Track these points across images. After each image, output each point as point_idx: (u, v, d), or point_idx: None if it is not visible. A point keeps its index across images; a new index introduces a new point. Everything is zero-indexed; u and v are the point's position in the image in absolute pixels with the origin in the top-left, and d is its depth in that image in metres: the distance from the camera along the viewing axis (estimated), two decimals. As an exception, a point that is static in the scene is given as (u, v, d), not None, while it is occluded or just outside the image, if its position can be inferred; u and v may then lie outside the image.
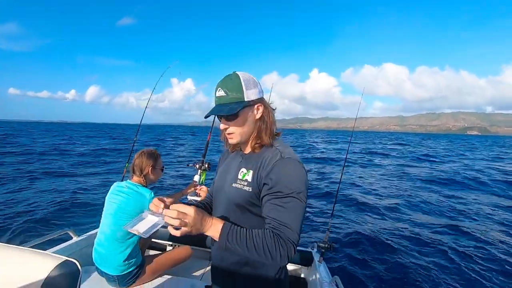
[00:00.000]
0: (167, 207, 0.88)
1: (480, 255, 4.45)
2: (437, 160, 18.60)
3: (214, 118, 3.28)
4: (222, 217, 0.94)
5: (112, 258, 1.76)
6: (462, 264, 4.18)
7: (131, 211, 1.78)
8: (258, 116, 0.98)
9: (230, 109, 0.92)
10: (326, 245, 2.20)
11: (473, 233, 5.29)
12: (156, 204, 0.89)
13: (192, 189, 2.26)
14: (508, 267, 4.00)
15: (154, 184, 2.02)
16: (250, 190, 0.94)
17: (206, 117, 1.00)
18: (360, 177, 11.10)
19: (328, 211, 5.77)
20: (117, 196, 1.84)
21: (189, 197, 2.30)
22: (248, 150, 1.04)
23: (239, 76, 0.94)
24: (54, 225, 4.61)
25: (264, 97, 1.03)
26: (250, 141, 1.02)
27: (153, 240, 2.24)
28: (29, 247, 0.97)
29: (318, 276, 2.02)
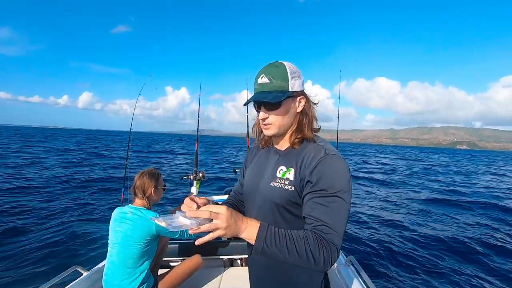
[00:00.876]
0: (199, 206, 0.84)
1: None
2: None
3: (198, 126, 3.32)
4: (259, 218, 0.87)
5: (124, 287, 1.71)
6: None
7: (138, 238, 1.72)
8: (299, 108, 0.94)
9: (275, 97, 0.86)
10: None
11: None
12: (188, 204, 0.83)
13: None
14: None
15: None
16: (292, 189, 0.88)
17: (245, 104, 0.95)
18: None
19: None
20: (122, 223, 1.76)
21: None
22: (285, 145, 0.98)
23: (284, 65, 0.90)
24: (57, 262, 4.12)
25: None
26: (290, 135, 0.96)
27: (163, 259, 2.21)
28: None
29: None
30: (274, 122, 0.92)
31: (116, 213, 1.84)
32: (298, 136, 0.94)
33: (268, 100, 0.86)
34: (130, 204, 1.86)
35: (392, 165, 24.31)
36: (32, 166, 12.86)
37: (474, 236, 5.47)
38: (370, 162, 26.72)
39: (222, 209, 0.73)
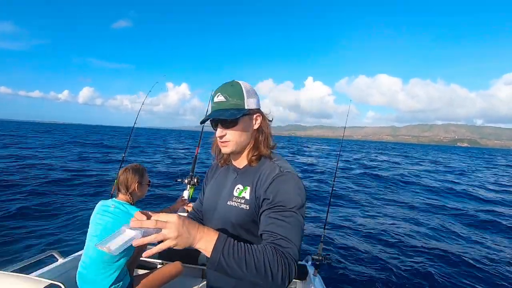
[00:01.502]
0: (150, 220, 0.78)
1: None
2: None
3: (202, 131, 3.27)
4: None
5: (98, 283, 1.67)
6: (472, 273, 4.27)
7: None
8: (256, 126, 0.96)
9: (231, 114, 0.88)
10: (320, 258, 2.15)
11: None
12: (138, 218, 0.76)
13: (181, 205, 2.19)
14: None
15: (141, 199, 1.98)
16: (248, 208, 0.90)
17: (202, 122, 0.95)
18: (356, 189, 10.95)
19: (321, 222, 5.60)
20: (103, 216, 1.74)
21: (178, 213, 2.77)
22: (242, 163, 1.00)
23: (240, 84, 0.93)
24: (36, 246, 4.10)
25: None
26: (247, 153, 0.97)
27: (141, 258, 2.17)
28: (11, 272, 0.95)
29: None
30: (231, 139, 0.93)
31: (99, 206, 1.82)
32: (255, 154, 0.96)
33: (224, 117, 0.88)
34: (114, 198, 1.84)
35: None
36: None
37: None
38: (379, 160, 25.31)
39: (172, 218, 0.69)
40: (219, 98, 0.91)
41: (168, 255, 2.23)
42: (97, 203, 1.86)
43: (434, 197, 10.08)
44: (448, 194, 10.57)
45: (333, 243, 5.12)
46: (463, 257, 4.76)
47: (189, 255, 2.24)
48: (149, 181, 1.96)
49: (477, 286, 3.91)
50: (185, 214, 1.10)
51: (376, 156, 31.45)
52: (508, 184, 14.60)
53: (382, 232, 5.95)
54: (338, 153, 3.63)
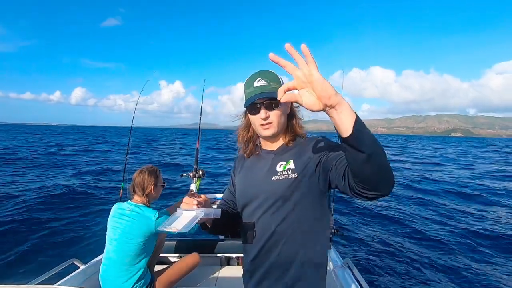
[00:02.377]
0: (200, 203, 0.86)
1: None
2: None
3: (200, 127, 3.26)
4: (268, 217, 0.94)
5: (121, 284, 1.69)
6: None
7: (136, 235, 1.71)
8: (289, 110, 1.03)
9: (276, 95, 0.84)
10: (333, 230, 2.20)
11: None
12: (187, 202, 0.86)
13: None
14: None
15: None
16: (296, 175, 0.92)
17: (248, 104, 0.96)
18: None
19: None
20: (120, 220, 1.75)
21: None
22: (276, 145, 1.04)
23: (274, 72, 0.99)
24: (54, 256, 4.12)
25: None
26: (283, 135, 1.03)
27: (160, 255, 2.20)
28: (37, 284, 0.96)
29: (330, 261, 2.02)
30: (275, 120, 0.96)
31: (114, 209, 1.83)
32: (292, 134, 1.02)
33: (272, 96, 0.91)
34: (129, 201, 1.85)
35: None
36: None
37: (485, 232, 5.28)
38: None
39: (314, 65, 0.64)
40: (261, 82, 0.95)
41: (183, 247, 2.28)
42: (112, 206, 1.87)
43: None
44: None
45: (343, 215, 5.45)
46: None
47: (205, 245, 2.29)
48: (164, 182, 1.98)
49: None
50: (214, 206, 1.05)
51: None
52: None
53: (389, 210, 6.27)
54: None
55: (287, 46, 0.62)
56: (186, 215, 0.79)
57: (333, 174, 0.85)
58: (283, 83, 0.95)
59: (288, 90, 0.67)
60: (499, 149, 39.65)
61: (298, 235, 0.93)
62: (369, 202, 6.36)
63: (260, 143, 1.09)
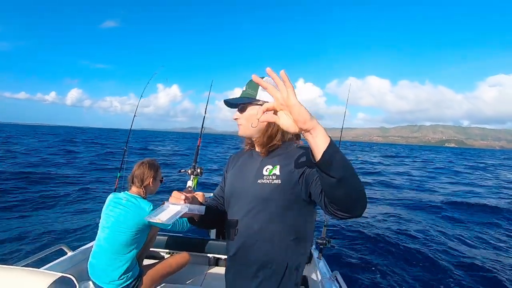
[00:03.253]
0: (187, 198, 0.90)
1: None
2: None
3: (203, 121, 3.50)
4: (249, 217, 0.99)
5: (109, 273, 1.71)
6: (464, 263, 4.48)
7: (130, 225, 1.74)
8: None
9: (239, 100, 1.04)
10: (324, 241, 2.20)
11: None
12: (176, 196, 0.89)
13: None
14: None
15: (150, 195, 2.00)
16: (279, 182, 0.95)
17: (226, 104, 1.09)
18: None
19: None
20: (115, 208, 1.78)
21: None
22: (263, 151, 1.05)
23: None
24: (46, 241, 4.28)
25: None
26: (263, 142, 1.04)
27: (150, 249, 2.20)
28: (22, 266, 1.02)
29: (318, 272, 2.06)
30: (241, 123, 1.06)
31: (110, 198, 1.86)
32: (271, 144, 1.03)
33: (230, 101, 1.06)
34: (126, 191, 1.89)
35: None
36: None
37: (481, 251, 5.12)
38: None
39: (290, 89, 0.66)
40: (243, 88, 1.06)
41: (174, 244, 2.36)
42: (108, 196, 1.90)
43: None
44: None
45: (335, 227, 5.47)
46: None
47: (195, 244, 2.36)
48: (162, 178, 2.02)
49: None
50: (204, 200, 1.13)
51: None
52: None
53: (384, 218, 6.46)
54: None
55: (268, 70, 0.67)
56: (172, 209, 0.85)
57: (312, 188, 0.88)
58: (263, 90, 0.97)
59: (268, 110, 0.71)
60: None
61: (276, 238, 0.97)
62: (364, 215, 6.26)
63: (254, 142, 1.11)
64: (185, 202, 0.88)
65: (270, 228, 0.97)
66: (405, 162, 28.70)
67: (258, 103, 1.03)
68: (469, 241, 5.64)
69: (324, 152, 0.67)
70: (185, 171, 2.85)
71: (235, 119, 1.07)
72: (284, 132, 1.04)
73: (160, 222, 0.79)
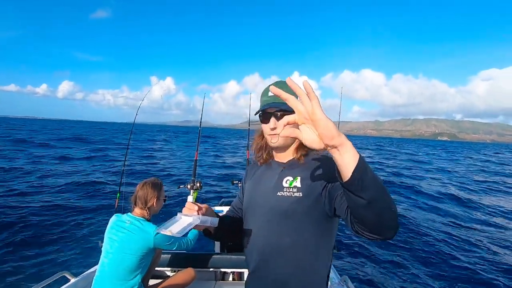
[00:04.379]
0: (200, 209, 0.89)
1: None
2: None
3: (199, 135, 3.30)
4: (266, 229, 0.96)
5: None
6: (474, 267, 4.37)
7: (134, 249, 1.70)
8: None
9: (288, 108, 0.90)
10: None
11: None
12: (189, 208, 0.88)
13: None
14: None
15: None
16: (301, 195, 0.92)
17: (257, 113, 1.01)
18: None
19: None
20: (118, 232, 1.74)
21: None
22: (288, 158, 1.03)
23: None
24: (46, 267, 4.08)
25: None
26: (294, 149, 1.02)
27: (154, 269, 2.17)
28: None
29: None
30: (279, 132, 0.95)
31: (113, 220, 1.81)
32: (305, 149, 0.99)
33: (284, 107, 0.94)
34: (129, 213, 1.84)
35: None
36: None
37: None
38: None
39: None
40: (271, 93, 0.95)
41: (178, 261, 2.28)
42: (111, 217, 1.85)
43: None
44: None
45: (341, 232, 5.31)
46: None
47: (199, 259, 2.29)
48: (166, 197, 1.99)
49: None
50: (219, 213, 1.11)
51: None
52: None
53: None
54: None
55: (288, 80, 0.61)
56: (183, 220, 0.83)
57: (337, 203, 0.84)
58: (297, 96, 0.96)
59: (288, 124, 0.65)
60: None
61: (298, 252, 0.93)
62: None
63: (272, 152, 1.09)
64: (198, 214, 0.86)
65: (289, 245, 0.93)
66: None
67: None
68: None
69: (354, 171, 0.60)
70: (185, 186, 2.83)
71: (273, 128, 0.97)
72: None
73: (171, 234, 0.77)
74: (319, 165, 0.95)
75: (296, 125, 0.67)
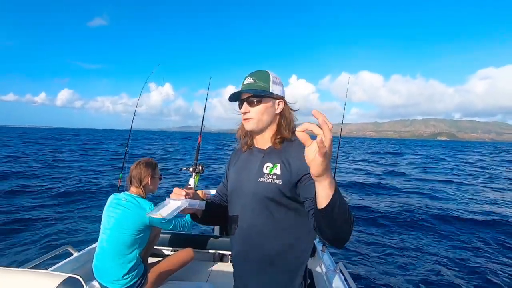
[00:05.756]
0: (188, 194, 0.92)
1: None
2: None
3: (203, 119, 3.34)
4: (248, 214, 1.02)
5: (113, 273, 1.74)
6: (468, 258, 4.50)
7: (131, 225, 1.76)
8: (278, 110, 1.06)
9: (256, 92, 1.01)
10: None
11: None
12: (177, 193, 0.91)
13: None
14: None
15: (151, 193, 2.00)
16: (280, 182, 0.97)
17: (231, 98, 1.07)
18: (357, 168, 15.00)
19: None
20: (115, 209, 1.80)
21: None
22: (267, 145, 1.08)
23: (268, 72, 1.06)
24: (51, 242, 4.38)
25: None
26: (271, 136, 1.07)
27: (154, 247, 2.22)
28: (29, 268, 1.04)
29: (322, 264, 2.10)
30: (253, 116, 1.03)
31: (111, 198, 1.88)
32: (278, 137, 1.05)
33: (250, 92, 1.01)
34: (126, 192, 1.90)
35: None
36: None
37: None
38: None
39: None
40: (248, 80, 1.04)
41: (178, 241, 2.36)
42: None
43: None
44: None
45: None
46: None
47: (199, 240, 2.38)
48: (161, 175, 2.03)
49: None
50: (210, 194, 1.24)
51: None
52: None
53: (385, 213, 6.66)
54: (338, 143, 3.51)
55: (314, 112, 0.62)
56: (172, 204, 0.86)
57: (306, 204, 0.91)
58: (274, 83, 1.03)
59: (304, 130, 0.65)
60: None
61: (281, 234, 1.00)
62: (367, 204, 7.21)
63: (254, 139, 1.13)
64: (185, 198, 0.90)
65: (272, 227, 0.99)
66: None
67: (272, 96, 1.04)
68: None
69: (327, 205, 0.70)
70: (187, 169, 2.90)
71: (244, 113, 1.04)
72: (288, 128, 1.05)
73: (161, 216, 0.81)
74: (297, 152, 0.98)
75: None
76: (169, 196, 0.92)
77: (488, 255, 4.72)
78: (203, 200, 1.03)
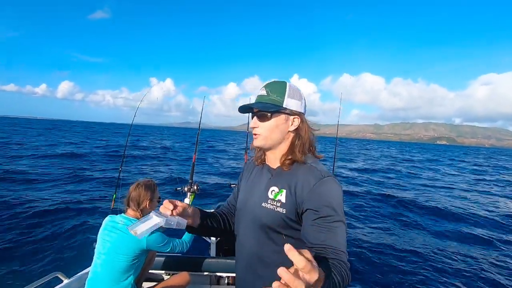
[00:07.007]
0: (176, 208, 0.87)
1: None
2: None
3: (197, 137, 3.36)
4: (247, 236, 0.98)
5: None
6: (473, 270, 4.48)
7: (127, 250, 1.70)
8: (292, 128, 0.96)
9: (264, 107, 0.93)
10: None
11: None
12: (166, 206, 0.85)
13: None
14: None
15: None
16: (284, 211, 0.91)
17: (240, 109, 1.00)
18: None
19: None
20: (111, 233, 1.74)
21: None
22: (276, 164, 1.00)
23: (285, 83, 0.97)
24: (39, 267, 4.06)
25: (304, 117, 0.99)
26: (280, 155, 0.98)
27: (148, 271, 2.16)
28: None
29: None
30: (261, 132, 0.95)
31: (107, 221, 1.81)
32: (288, 158, 0.95)
33: (256, 107, 0.94)
34: (123, 214, 1.84)
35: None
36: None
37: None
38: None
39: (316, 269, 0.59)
40: (262, 91, 0.96)
41: (173, 264, 2.26)
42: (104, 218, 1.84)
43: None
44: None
45: None
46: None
47: (195, 263, 2.26)
48: (159, 198, 1.97)
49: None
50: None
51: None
52: None
53: (383, 220, 6.72)
54: (335, 144, 3.84)
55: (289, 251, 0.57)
56: (151, 221, 0.82)
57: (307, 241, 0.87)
58: (291, 96, 0.94)
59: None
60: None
61: (282, 262, 0.92)
62: (363, 201, 7.53)
63: (265, 155, 1.06)
64: (172, 214, 0.85)
65: (276, 257, 0.92)
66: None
67: (286, 111, 0.95)
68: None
69: None
70: (182, 189, 2.79)
71: (254, 127, 0.97)
72: (308, 146, 0.98)
73: (134, 234, 0.78)
74: (303, 180, 0.91)
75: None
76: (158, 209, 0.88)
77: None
78: (200, 213, 1.02)
